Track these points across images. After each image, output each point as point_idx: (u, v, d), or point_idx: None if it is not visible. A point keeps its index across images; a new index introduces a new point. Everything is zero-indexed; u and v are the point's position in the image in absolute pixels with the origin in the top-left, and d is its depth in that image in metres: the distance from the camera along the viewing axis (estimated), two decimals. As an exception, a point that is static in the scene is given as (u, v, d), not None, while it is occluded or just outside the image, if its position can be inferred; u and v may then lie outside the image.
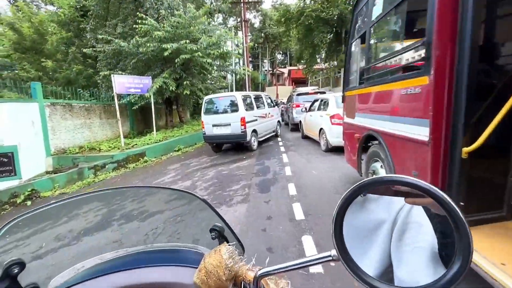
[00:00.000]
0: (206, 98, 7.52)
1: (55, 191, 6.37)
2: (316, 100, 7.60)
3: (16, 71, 11.47)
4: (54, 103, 7.52)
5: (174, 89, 8.99)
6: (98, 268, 0.76)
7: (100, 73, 9.91)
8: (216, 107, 7.41)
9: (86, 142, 8.60)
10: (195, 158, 7.74)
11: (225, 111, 7.24)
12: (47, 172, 7.05)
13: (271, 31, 39.75)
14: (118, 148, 8.23)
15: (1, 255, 0.93)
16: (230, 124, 7.04)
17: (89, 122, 8.78)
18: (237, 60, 16.80)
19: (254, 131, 7.46)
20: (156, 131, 10.40)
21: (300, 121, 8.83)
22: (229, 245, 0.63)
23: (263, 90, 35.76)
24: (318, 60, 27.24)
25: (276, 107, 9.81)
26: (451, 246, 0.40)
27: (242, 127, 6.90)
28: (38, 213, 0.73)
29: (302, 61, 29.74)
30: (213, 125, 7.29)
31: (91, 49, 9.82)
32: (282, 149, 7.58)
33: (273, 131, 9.29)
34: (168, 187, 0.84)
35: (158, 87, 8.91)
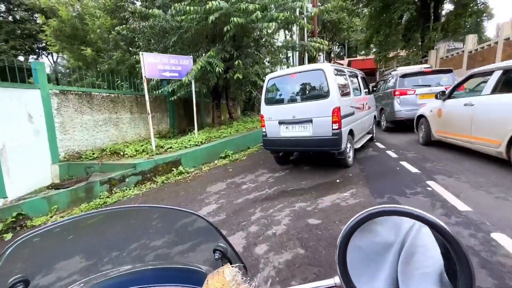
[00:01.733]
0: (269, 76, 4.65)
1: (51, 216, 4.31)
2: (472, 76, 4.08)
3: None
4: (64, 91, 5.57)
5: (222, 71, 6.37)
6: (102, 285, 0.75)
7: (136, 57, 7.94)
8: (286, 92, 4.51)
9: (111, 143, 6.61)
10: (249, 173, 4.98)
11: (302, 99, 4.31)
12: (50, 187, 5.11)
13: (329, 17, 35.47)
14: (147, 153, 5.99)
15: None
16: (311, 121, 4.10)
17: (116, 117, 6.77)
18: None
19: (351, 132, 4.34)
20: (200, 130, 8.04)
21: (423, 117, 5.29)
22: (232, 266, 0.63)
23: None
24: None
25: (371, 94, 6.40)
26: (455, 274, 0.41)
27: (335, 126, 3.86)
28: (42, 233, 0.74)
29: (372, 45, 25.05)
30: (280, 122, 4.45)
31: (123, 26, 7.87)
32: (409, 167, 4.14)
33: (369, 133, 5.96)
34: (170, 207, 0.78)
35: (199, 68, 6.42)
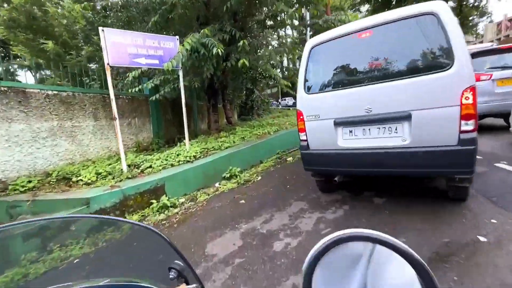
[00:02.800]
0: (313, 42, 2.66)
1: None
2: None
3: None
4: (-28, 86, 3.52)
5: (221, 54, 4.39)
6: None
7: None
8: (350, 67, 2.53)
9: (63, 163, 4.55)
10: (276, 208, 3.04)
11: (387, 76, 2.27)
12: None
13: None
14: (114, 177, 3.98)
15: None
16: (408, 118, 2.13)
17: (71, 125, 4.73)
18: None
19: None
20: (194, 139, 6.09)
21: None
22: (188, 287, 0.61)
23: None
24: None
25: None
26: None
27: (467, 126, 1.93)
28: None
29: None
30: (339, 123, 2.54)
31: (86, 4, 5.88)
32: None
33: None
34: (123, 220, 0.77)
35: (189, 50, 4.48)
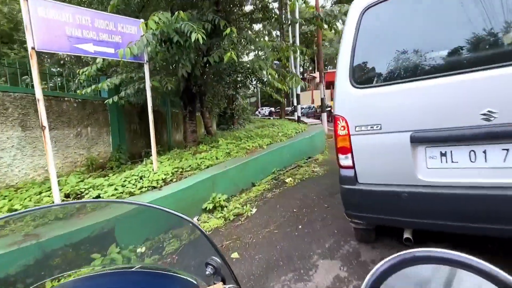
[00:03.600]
0: (369, 1, 1.63)
1: None
2: None
3: None
4: None
5: (202, 40, 3.23)
6: (89, 281, 0.70)
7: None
8: (443, 40, 1.46)
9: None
10: (292, 275, 1.86)
11: None
12: None
13: (301, 30, 34.62)
14: (33, 219, 2.58)
15: None
16: None
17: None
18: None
19: None
20: (166, 154, 4.85)
21: None
22: (225, 286, 0.59)
23: (292, 96, 29.69)
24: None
25: None
26: None
27: None
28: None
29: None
30: (421, 139, 1.49)
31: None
32: None
33: None
34: (163, 209, 0.71)
35: (157, 34, 3.32)
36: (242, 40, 4.97)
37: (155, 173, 3.56)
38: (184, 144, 5.99)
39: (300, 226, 2.63)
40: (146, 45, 3.38)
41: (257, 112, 36.15)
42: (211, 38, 4.66)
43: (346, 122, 1.70)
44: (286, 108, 21.62)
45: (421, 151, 1.49)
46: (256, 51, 4.77)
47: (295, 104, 18.28)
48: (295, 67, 10.40)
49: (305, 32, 34.86)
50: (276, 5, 8.06)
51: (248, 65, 5.29)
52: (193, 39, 3.20)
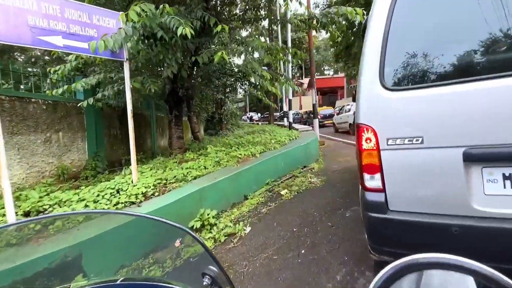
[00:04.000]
0: None
1: None
2: None
3: None
4: None
5: (190, 35, 2.86)
6: None
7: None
8: None
9: None
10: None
11: None
12: None
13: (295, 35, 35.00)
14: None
15: None
16: None
17: None
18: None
19: None
20: (149, 163, 4.41)
21: None
22: None
23: (281, 101, 29.63)
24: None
25: None
26: None
27: None
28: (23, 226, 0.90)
29: (341, 60, 23.87)
30: (478, 157, 1.16)
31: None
32: None
33: None
34: (158, 219, 0.70)
35: (139, 28, 2.91)
36: (234, 41, 4.64)
37: (134, 186, 3.12)
38: (170, 151, 5.54)
39: (303, 251, 2.27)
40: (125, 39, 2.98)
41: (244, 117, 35.87)
42: (200, 37, 4.30)
43: (375, 133, 1.35)
44: (274, 114, 21.36)
45: (476, 172, 1.17)
46: (247, 54, 4.43)
47: (285, 109, 18.11)
48: (287, 71, 10.15)
49: (293, 39, 35.17)
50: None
51: (239, 68, 4.95)
52: (179, 33, 2.82)
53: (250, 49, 4.20)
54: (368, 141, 1.37)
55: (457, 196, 1.19)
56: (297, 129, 9.46)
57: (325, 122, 19.40)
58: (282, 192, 3.83)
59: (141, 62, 3.99)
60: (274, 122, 18.70)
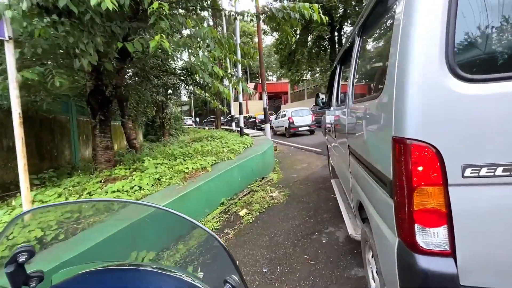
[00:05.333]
0: None
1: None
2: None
3: None
4: None
5: (114, 13, 1.99)
6: (107, 274, 0.73)
7: None
8: None
9: None
10: None
11: None
12: None
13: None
14: None
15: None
16: None
17: None
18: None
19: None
20: (63, 181, 3.27)
21: None
22: None
23: (228, 105, 29.01)
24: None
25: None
26: None
27: None
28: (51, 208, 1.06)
29: (285, 66, 24.51)
30: None
31: None
32: None
33: None
34: (189, 219, 0.68)
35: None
36: (176, 29, 3.82)
37: (22, 229, 2.06)
38: (94, 166, 4.33)
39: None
40: (5, 6, 1.95)
41: (189, 122, 34.19)
42: (132, 21, 3.37)
43: (439, 157, 0.83)
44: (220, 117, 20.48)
45: None
46: (194, 47, 3.64)
47: (233, 113, 17.53)
48: (238, 72, 9.54)
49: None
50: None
51: (184, 64, 4.12)
52: (93, 3, 1.92)
53: (198, 39, 3.44)
54: (426, 170, 0.82)
55: None
56: (248, 135, 8.93)
57: (262, 125, 19.97)
58: (241, 213, 3.16)
59: (41, 47, 2.86)
60: (222, 127, 17.95)
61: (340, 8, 20.36)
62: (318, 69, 23.14)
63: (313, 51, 21.92)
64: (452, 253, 0.84)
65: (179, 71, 5.05)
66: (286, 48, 22.25)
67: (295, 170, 5.32)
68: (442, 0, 0.82)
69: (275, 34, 24.98)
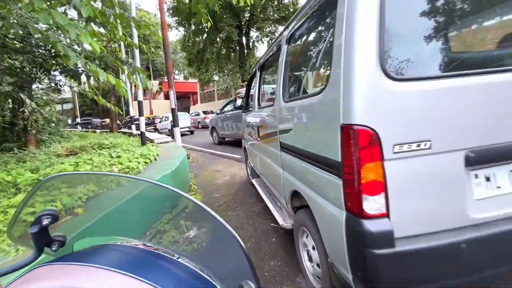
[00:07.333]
0: None
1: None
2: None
3: None
4: None
5: None
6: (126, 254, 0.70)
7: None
8: None
9: None
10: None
11: None
12: None
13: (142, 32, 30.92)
14: None
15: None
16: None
17: None
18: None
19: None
20: None
21: None
22: None
23: (126, 103, 24.86)
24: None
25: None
26: None
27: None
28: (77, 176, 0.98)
29: (195, 65, 22.95)
30: (476, 159, 1.15)
31: None
32: None
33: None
34: (211, 213, 0.64)
35: None
36: None
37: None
38: None
39: None
40: None
41: (77, 123, 28.32)
42: None
43: (378, 138, 1.05)
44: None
45: (469, 177, 1.09)
46: (50, 20, 2.11)
47: (132, 114, 14.82)
48: (135, 60, 7.35)
49: (138, 35, 31.26)
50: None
51: (35, 33, 2.45)
52: None
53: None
54: (368, 148, 1.05)
55: (457, 207, 1.09)
56: (152, 140, 7.29)
57: (146, 128, 19.31)
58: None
59: None
60: (119, 130, 14.93)
61: (247, 12, 20.56)
62: (226, 71, 22.76)
63: (222, 52, 21.43)
64: (387, 214, 1.06)
65: (34, 49, 3.22)
66: (195, 46, 20.92)
67: (216, 186, 4.31)
68: (374, 17, 1.04)
69: (181, 29, 23.15)
